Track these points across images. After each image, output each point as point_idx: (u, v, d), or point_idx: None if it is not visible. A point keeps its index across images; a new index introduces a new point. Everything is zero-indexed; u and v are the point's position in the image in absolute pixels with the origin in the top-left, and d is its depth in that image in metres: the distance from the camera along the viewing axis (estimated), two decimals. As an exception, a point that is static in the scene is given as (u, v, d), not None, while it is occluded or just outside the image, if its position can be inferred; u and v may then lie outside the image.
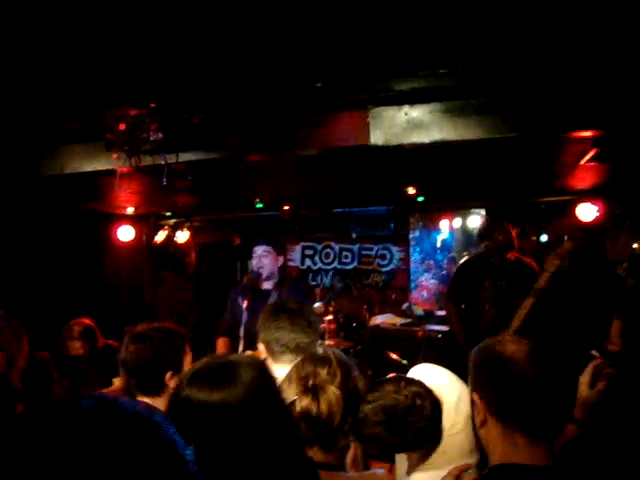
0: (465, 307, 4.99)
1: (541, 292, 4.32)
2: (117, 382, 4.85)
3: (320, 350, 2.03)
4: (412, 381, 2.00)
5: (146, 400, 2.34)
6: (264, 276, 4.50)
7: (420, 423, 1.90)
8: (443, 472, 1.89)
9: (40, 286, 6.15)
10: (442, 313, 7.76)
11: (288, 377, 1.91)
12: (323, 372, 1.86)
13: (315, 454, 1.79)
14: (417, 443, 1.94)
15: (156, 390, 2.39)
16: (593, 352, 2.27)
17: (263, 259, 4.49)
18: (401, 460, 2.10)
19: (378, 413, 1.91)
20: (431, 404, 1.93)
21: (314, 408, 1.78)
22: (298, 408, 1.79)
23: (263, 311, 2.74)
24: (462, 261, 5.59)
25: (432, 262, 8.61)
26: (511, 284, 4.73)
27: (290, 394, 1.82)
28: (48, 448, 0.64)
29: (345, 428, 1.86)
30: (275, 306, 2.75)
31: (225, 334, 4.46)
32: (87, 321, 4.86)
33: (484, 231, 5.18)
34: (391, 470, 2.18)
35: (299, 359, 2.00)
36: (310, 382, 1.83)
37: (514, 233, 4.82)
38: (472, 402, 1.91)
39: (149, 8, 2.76)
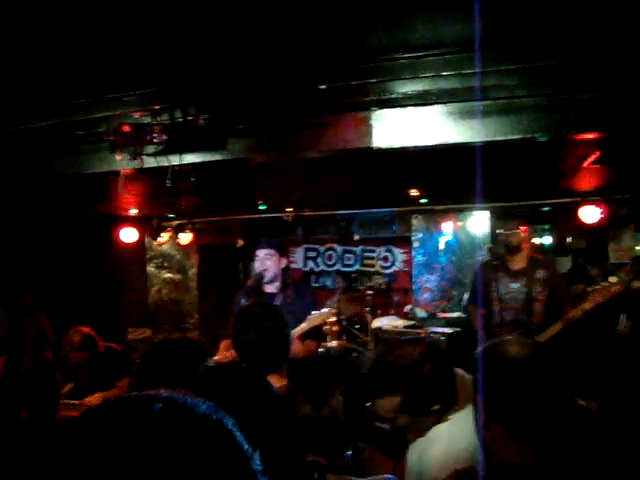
0: (483, 308, 5.00)
1: (572, 324, 4.27)
2: (119, 385, 4.87)
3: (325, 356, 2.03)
4: (422, 339, 2.07)
5: None
6: (267, 279, 4.49)
7: (440, 370, 1.96)
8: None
9: (42, 285, 6.17)
10: (445, 315, 7.76)
11: (293, 380, 1.91)
12: (328, 376, 1.85)
13: (321, 459, 1.78)
14: (435, 395, 1.97)
15: None
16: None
17: (266, 262, 4.48)
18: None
19: (396, 368, 1.97)
20: (442, 358, 2.01)
21: (316, 415, 1.78)
22: (301, 414, 1.79)
23: (232, 316, 2.73)
24: (480, 263, 5.61)
25: (435, 264, 8.60)
26: (527, 284, 4.71)
27: (294, 398, 1.82)
28: (117, 452, 0.61)
29: (352, 431, 1.86)
30: (242, 312, 2.74)
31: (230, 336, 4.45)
32: (86, 329, 4.87)
33: (496, 233, 5.20)
34: (396, 468, 2.19)
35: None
36: (312, 388, 1.83)
37: (525, 232, 4.80)
38: (474, 404, 1.91)
39: (155, 11, 2.76)
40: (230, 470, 0.64)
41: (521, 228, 4.75)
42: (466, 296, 7.95)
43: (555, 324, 4.30)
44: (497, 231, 5.12)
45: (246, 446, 0.67)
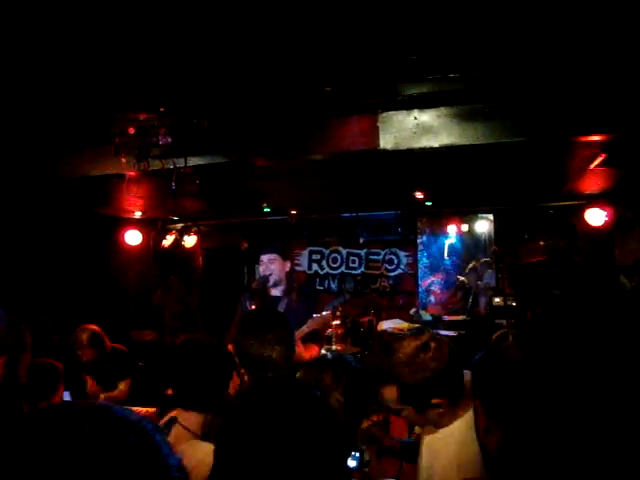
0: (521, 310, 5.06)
1: None
2: (122, 386, 4.87)
3: (329, 355, 2.02)
4: (423, 333, 2.09)
5: None
6: (272, 283, 4.49)
7: (437, 364, 1.97)
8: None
9: (47, 287, 6.17)
10: (450, 318, 7.74)
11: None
12: (327, 377, 1.84)
13: None
14: (433, 387, 1.98)
15: None
16: None
17: (270, 266, 4.49)
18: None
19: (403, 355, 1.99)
20: (448, 348, 2.03)
21: None
22: None
23: (235, 324, 2.69)
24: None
25: (440, 267, 8.58)
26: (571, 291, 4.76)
27: None
28: (41, 451, 0.69)
29: (353, 434, 1.84)
30: (246, 318, 2.70)
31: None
32: (93, 327, 4.87)
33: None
34: (401, 467, 2.19)
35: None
36: (315, 387, 1.81)
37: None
38: (475, 409, 1.90)
39: (160, 13, 2.76)
40: (142, 464, 0.72)
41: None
42: (470, 299, 7.96)
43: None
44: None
45: (164, 445, 0.75)
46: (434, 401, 2.01)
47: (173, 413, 2.41)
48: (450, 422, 2.07)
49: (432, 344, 2.02)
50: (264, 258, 4.52)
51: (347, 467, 1.61)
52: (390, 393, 2.03)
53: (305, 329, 4.31)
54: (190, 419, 2.25)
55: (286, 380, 1.64)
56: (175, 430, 2.29)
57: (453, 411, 2.05)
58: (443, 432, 2.08)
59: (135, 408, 4.31)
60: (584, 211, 6.48)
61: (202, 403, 2.31)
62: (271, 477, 1.25)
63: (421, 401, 2.02)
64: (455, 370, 2.03)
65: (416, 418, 2.11)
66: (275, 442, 1.26)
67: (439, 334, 2.20)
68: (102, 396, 4.51)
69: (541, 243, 4.86)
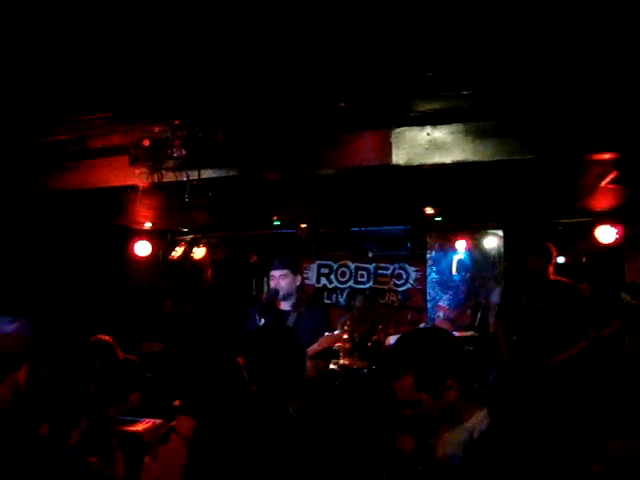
0: (506, 326, 5.15)
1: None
2: (133, 398, 4.88)
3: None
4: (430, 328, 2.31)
5: None
6: (281, 297, 4.50)
7: (439, 348, 2.17)
8: None
9: (55, 297, 6.19)
10: (458, 334, 7.71)
11: None
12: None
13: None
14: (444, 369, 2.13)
15: None
16: None
17: (281, 282, 4.50)
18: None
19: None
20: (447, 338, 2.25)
21: None
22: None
23: (245, 342, 2.68)
24: (508, 283, 5.78)
25: (449, 282, 8.56)
26: (549, 305, 4.81)
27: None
28: None
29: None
30: (257, 338, 2.69)
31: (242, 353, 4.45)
32: (105, 337, 4.89)
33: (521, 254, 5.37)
34: (414, 442, 2.38)
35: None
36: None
37: (553, 254, 4.90)
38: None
39: (176, 27, 2.80)
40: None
41: (537, 261, 4.84)
42: (479, 315, 7.95)
43: (579, 343, 4.36)
44: (528, 257, 5.20)
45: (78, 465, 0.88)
46: (448, 383, 2.13)
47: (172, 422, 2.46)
48: (465, 419, 2.18)
49: (436, 330, 2.40)
50: (275, 274, 4.53)
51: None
52: (406, 383, 2.13)
53: (317, 347, 4.32)
54: (184, 425, 2.29)
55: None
56: (171, 438, 2.32)
57: (467, 408, 2.18)
58: (458, 429, 2.18)
59: (143, 419, 4.33)
60: (594, 228, 6.46)
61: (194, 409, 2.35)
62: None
63: (436, 385, 2.13)
64: (462, 353, 2.24)
65: (433, 407, 2.16)
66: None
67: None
68: (112, 410, 4.53)
69: (529, 263, 4.94)
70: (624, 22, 2.71)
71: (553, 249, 4.98)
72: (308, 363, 4.22)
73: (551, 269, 4.99)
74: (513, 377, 2.15)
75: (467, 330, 7.88)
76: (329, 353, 4.94)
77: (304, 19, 2.77)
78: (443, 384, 2.12)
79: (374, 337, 7.38)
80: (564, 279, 5.05)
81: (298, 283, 4.66)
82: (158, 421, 4.18)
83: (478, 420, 2.13)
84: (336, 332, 4.39)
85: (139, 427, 4.19)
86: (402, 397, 2.15)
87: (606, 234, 6.37)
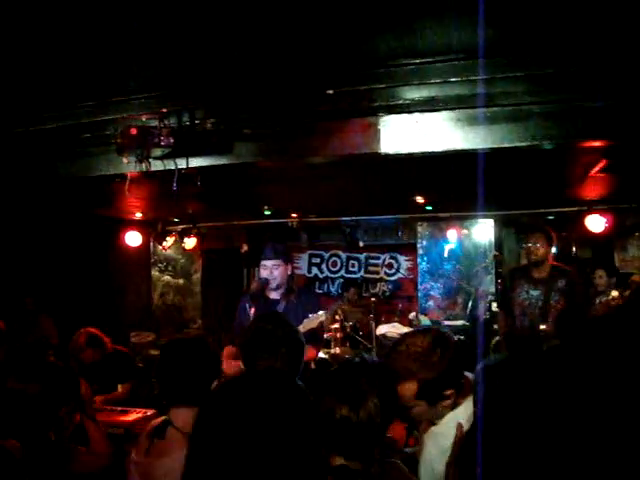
0: (506, 312, 5.16)
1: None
2: (121, 388, 4.87)
3: (357, 359, 2.02)
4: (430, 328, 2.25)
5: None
6: (273, 286, 4.49)
7: (451, 355, 2.07)
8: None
9: (46, 288, 6.17)
10: (449, 323, 7.74)
11: (324, 383, 1.89)
12: (363, 382, 1.84)
13: (354, 464, 1.76)
14: (447, 379, 2.06)
15: None
16: None
17: (274, 272, 4.48)
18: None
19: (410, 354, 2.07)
20: (450, 343, 2.13)
21: (354, 418, 1.76)
22: (337, 416, 1.77)
23: (242, 333, 2.64)
24: (510, 269, 5.77)
25: (440, 272, 8.59)
26: (546, 292, 4.80)
27: (327, 401, 1.80)
28: None
29: (384, 437, 1.85)
30: (257, 331, 2.63)
31: (233, 343, 4.44)
32: (91, 329, 4.88)
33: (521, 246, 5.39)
34: (406, 430, 2.40)
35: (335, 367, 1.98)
36: (349, 391, 1.81)
37: (546, 245, 4.89)
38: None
39: (163, 14, 2.77)
40: None
41: (541, 242, 4.84)
42: (470, 304, 7.97)
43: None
44: (523, 245, 5.22)
45: None
46: (446, 392, 2.09)
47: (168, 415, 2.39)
48: (451, 411, 2.15)
49: (443, 336, 2.15)
50: (268, 264, 4.50)
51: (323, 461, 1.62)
52: (407, 390, 2.06)
53: (301, 329, 4.31)
54: (182, 418, 2.21)
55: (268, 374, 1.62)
56: (169, 433, 2.26)
57: (454, 402, 2.14)
58: (448, 417, 2.14)
59: (133, 409, 4.32)
60: (584, 217, 6.48)
61: (190, 397, 2.27)
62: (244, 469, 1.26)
63: (436, 394, 2.09)
64: (460, 358, 2.14)
65: (426, 413, 2.14)
66: (249, 432, 1.28)
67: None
68: (99, 399, 4.52)
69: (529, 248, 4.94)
70: (614, 12, 2.71)
71: (554, 233, 4.99)
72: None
73: (550, 255, 5.00)
74: (500, 369, 2.11)
75: (458, 319, 7.91)
76: (320, 341, 4.93)
77: (292, 7, 2.75)
78: (441, 394, 2.09)
79: (365, 326, 7.41)
80: (563, 265, 5.06)
81: (289, 272, 4.65)
82: (150, 411, 4.16)
83: (461, 409, 2.13)
84: (319, 313, 4.34)
85: (129, 417, 4.18)
86: (400, 401, 2.09)
87: (596, 223, 6.40)
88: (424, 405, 2.10)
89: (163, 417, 2.34)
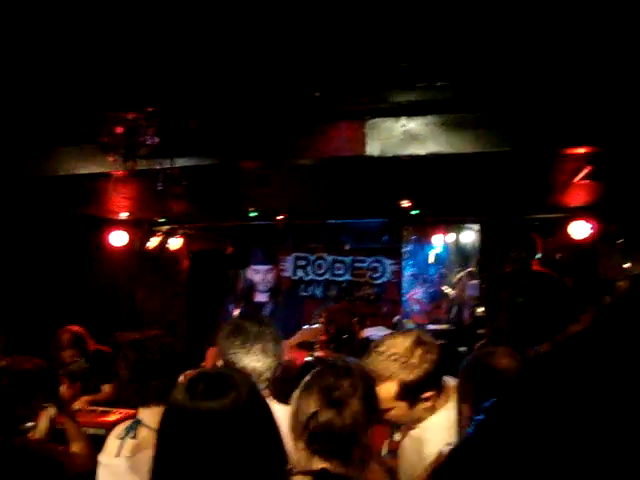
0: (491, 318, 5.18)
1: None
2: (106, 389, 4.83)
3: (339, 361, 1.99)
4: (411, 330, 2.20)
5: None
6: (266, 289, 4.50)
7: (433, 356, 2.07)
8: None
9: (30, 290, 6.10)
10: (433, 327, 7.76)
11: (307, 386, 1.86)
12: (345, 384, 1.82)
13: (336, 467, 1.74)
14: (428, 381, 2.06)
15: None
16: None
17: (267, 276, 4.50)
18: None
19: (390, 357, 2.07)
20: (430, 345, 2.11)
21: (338, 421, 1.75)
22: (322, 420, 1.75)
23: (221, 329, 2.60)
24: (495, 275, 5.82)
25: (425, 276, 8.61)
26: (530, 299, 4.82)
27: (310, 404, 1.78)
28: None
29: (365, 441, 1.84)
30: (233, 327, 2.56)
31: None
32: (75, 328, 4.84)
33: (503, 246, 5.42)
34: (391, 432, 2.35)
35: (317, 369, 1.95)
36: (333, 394, 1.80)
37: (538, 245, 4.91)
38: (460, 413, 1.91)
39: (148, 12, 2.76)
40: None
41: (526, 248, 4.86)
42: (454, 309, 8.00)
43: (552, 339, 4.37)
44: (510, 250, 5.25)
45: None
46: (425, 395, 2.08)
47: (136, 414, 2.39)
48: (430, 416, 2.15)
49: (424, 338, 2.12)
50: (260, 269, 4.51)
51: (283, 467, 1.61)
52: (386, 391, 2.06)
53: (297, 338, 4.34)
54: (152, 416, 2.21)
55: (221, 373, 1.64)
56: (140, 432, 2.26)
57: (433, 406, 2.13)
58: (428, 422, 2.14)
59: (117, 410, 4.29)
60: (569, 223, 6.52)
61: (156, 395, 2.28)
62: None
63: (416, 395, 2.08)
64: (441, 361, 2.12)
65: (405, 415, 2.14)
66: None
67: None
68: (83, 399, 4.48)
69: (512, 255, 4.97)
70: (601, 19, 2.72)
71: (538, 240, 5.01)
72: (292, 353, 4.24)
73: (535, 261, 5.03)
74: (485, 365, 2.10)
75: (442, 323, 7.94)
76: (305, 344, 4.95)
77: (281, 9, 2.75)
78: (422, 396, 2.09)
79: (349, 329, 7.41)
80: (548, 271, 5.09)
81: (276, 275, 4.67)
82: (132, 412, 4.14)
83: (442, 415, 2.13)
84: (316, 325, 4.42)
85: (111, 418, 4.15)
86: (379, 402, 2.05)
87: (580, 230, 6.43)
88: (404, 407, 2.09)
89: (133, 419, 2.35)
